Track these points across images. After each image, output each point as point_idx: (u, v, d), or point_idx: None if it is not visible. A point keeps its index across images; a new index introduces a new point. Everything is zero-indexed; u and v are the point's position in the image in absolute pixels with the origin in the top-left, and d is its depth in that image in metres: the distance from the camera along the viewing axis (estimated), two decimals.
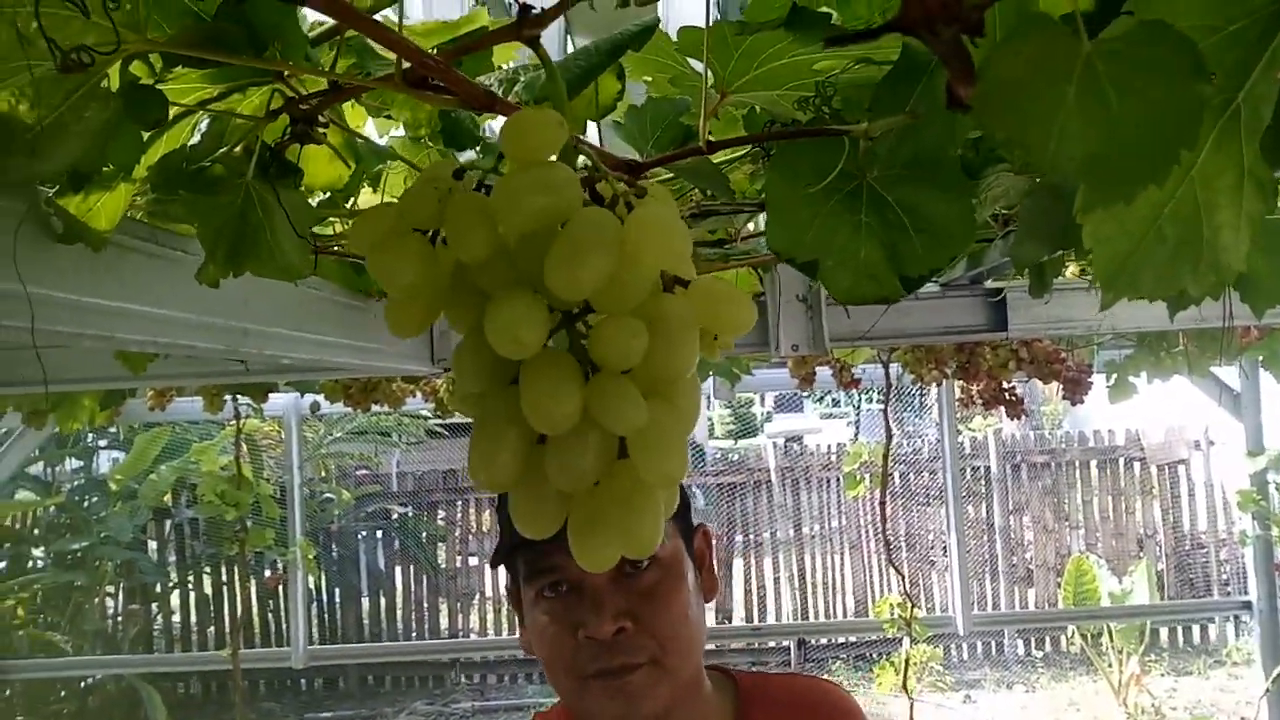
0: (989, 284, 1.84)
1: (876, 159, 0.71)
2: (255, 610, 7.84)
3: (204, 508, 4.47)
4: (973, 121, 0.69)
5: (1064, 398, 2.66)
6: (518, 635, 1.18)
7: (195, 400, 3.74)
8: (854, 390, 3.99)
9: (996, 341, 2.21)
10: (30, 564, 7.00)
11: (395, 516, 8.63)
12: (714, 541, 1.21)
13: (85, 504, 7.37)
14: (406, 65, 0.58)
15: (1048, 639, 8.04)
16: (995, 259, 1.57)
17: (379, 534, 8.61)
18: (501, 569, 1.16)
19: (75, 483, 7.51)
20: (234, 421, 4.21)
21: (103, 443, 7.97)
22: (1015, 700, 7.33)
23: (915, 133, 0.70)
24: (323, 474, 8.74)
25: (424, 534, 8.47)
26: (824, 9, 0.69)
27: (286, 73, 0.74)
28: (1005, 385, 3.04)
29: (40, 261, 0.74)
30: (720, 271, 1.65)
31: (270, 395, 3.83)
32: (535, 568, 1.06)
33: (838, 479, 8.34)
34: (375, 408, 3.52)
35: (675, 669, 1.04)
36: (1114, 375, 3.37)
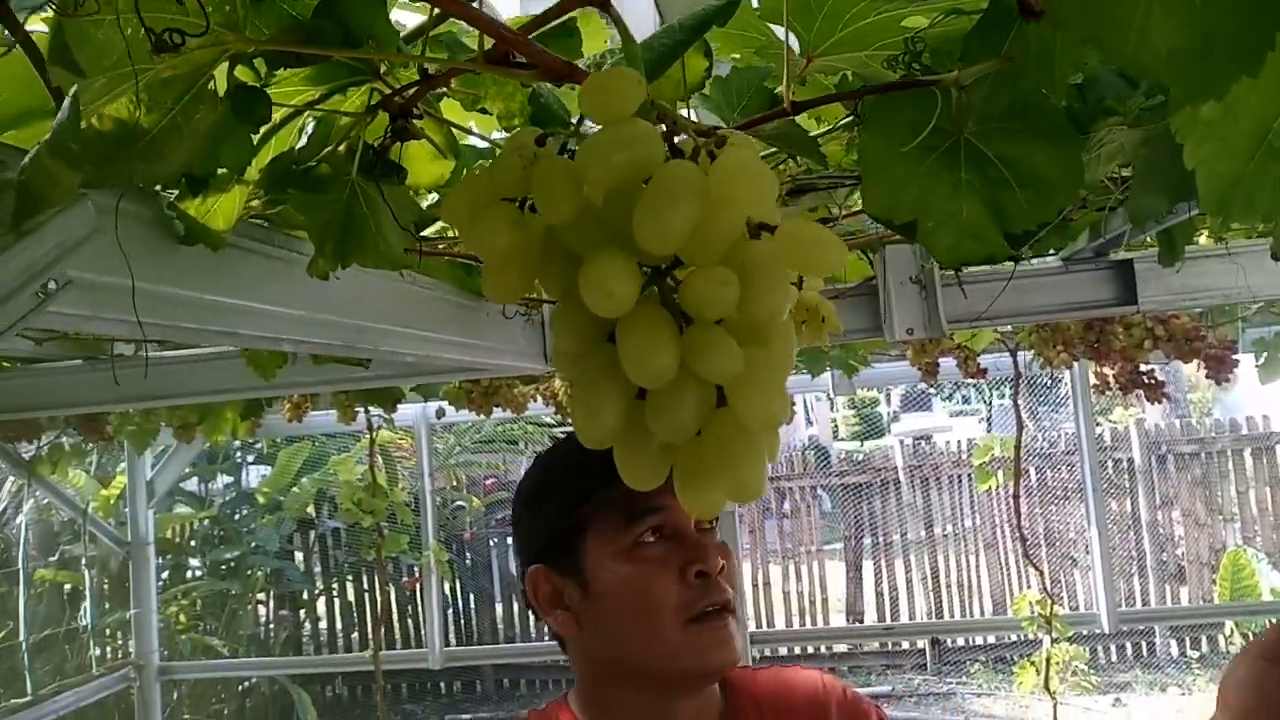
0: (1115, 255, 1.76)
1: (971, 110, 0.69)
2: (395, 614, 8.12)
3: (342, 515, 4.66)
4: (1069, 62, 0.66)
5: (1207, 377, 2.51)
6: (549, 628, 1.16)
7: (329, 413, 3.90)
8: (981, 381, 3.88)
9: (1127, 317, 2.10)
10: (189, 573, 7.45)
11: None
12: None
13: (236, 516, 7.79)
14: (489, 44, 0.59)
15: (1204, 638, 7.59)
16: (1118, 226, 1.49)
17: (509, 540, 8.81)
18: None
19: (226, 497, 7.94)
20: (368, 433, 4.37)
21: (250, 458, 8.42)
22: (1169, 703, 6.94)
23: (1010, 80, 0.67)
24: (454, 483, 9.00)
25: None
26: None
27: (382, 69, 0.77)
28: (1142, 367, 2.89)
29: (165, 263, 0.79)
30: None
31: (399, 406, 3.97)
32: (635, 511, 1.06)
33: (969, 476, 8.07)
34: (498, 413, 3.60)
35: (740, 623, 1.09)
36: (1263, 354, 3.16)
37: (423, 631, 7.40)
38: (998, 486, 4.11)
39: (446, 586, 7.39)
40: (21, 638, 5.40)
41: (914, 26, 0.75)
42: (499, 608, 8.49)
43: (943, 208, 0.77)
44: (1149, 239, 1.66)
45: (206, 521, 7.43)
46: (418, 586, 6.82)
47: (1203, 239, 1.77)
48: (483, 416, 3.05)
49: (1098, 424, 8.48)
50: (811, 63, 0.75)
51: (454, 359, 1.47)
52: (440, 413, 3.54)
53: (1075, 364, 4.68)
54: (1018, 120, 0.72)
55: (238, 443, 8.25)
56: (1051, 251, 1.80)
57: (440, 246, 1.43)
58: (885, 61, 0.75)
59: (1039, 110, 0.72)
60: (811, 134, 1.00)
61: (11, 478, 5.61)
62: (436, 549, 4.79)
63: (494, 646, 7.93)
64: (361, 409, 3.90)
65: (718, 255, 0.43)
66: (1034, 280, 1.80)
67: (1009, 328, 3.08)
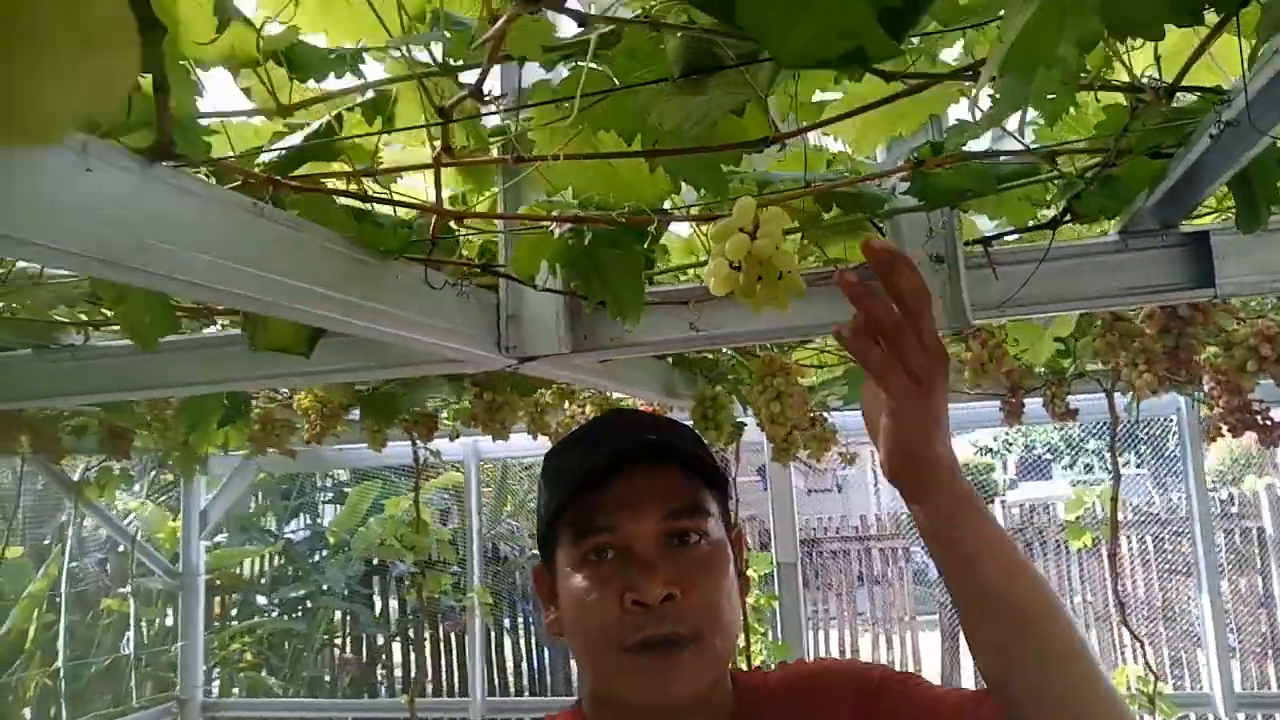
0: (1186, 228, 1.41)
1: None
2: (442, 656, 7.83)
3: (384, 551, 4.48)
4: None
5: None
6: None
7: (404, 443, 3.70)
8: (1073, 422, 3.47)
9: (1209, 315, 1.72)
10: (259, 613, 7.41)
11: None
12: (745, 544, 1.19)
13: (314, 557, 7.74)
14: None
15: None
16: (1177, 169, 1.16)
17: None
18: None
19: (299, 534, 7.91)
20: (426, 467, 4.22)
21: (328, 497, 8.41)
22: None
23: None
24: (531, 531, 8.81)
25: None
26: None
27: None
28: (1255, 404, 2.48)
29: None
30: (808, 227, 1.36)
31: (444, 437, 3.78)
32: (582, 528, 1.04)
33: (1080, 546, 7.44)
34: (527, 442, 3.37)
35: (717, 650, 1.01)
36: None
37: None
38: (1091, 545, 3.64)
39: (516, 641, 7.14)
40: (60, 664, 5.37)
41: None
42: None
43: None
44: (1226, 200, 1.32)
45: (278, 559, 7.40)
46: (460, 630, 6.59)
47: None
48: (499, 441, 2.81)
49: (1225, 492, 7.74)
50: None
51: (357, 325, 1.23)
52: (454, 434, 3.32)
53: (1183, 408, 4.18)
54: None
55: (317, 481, 8.28)
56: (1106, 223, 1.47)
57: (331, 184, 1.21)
58: None
59: None
60: None
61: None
62: (480, 591, 4.55)
63: (535, 699, 7.57)
64: (411, 442, 3.74)
65: None
66: (1082, 260, 1.46)
67: (1098, 363, 2.69)
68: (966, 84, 1.01)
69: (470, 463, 4.71)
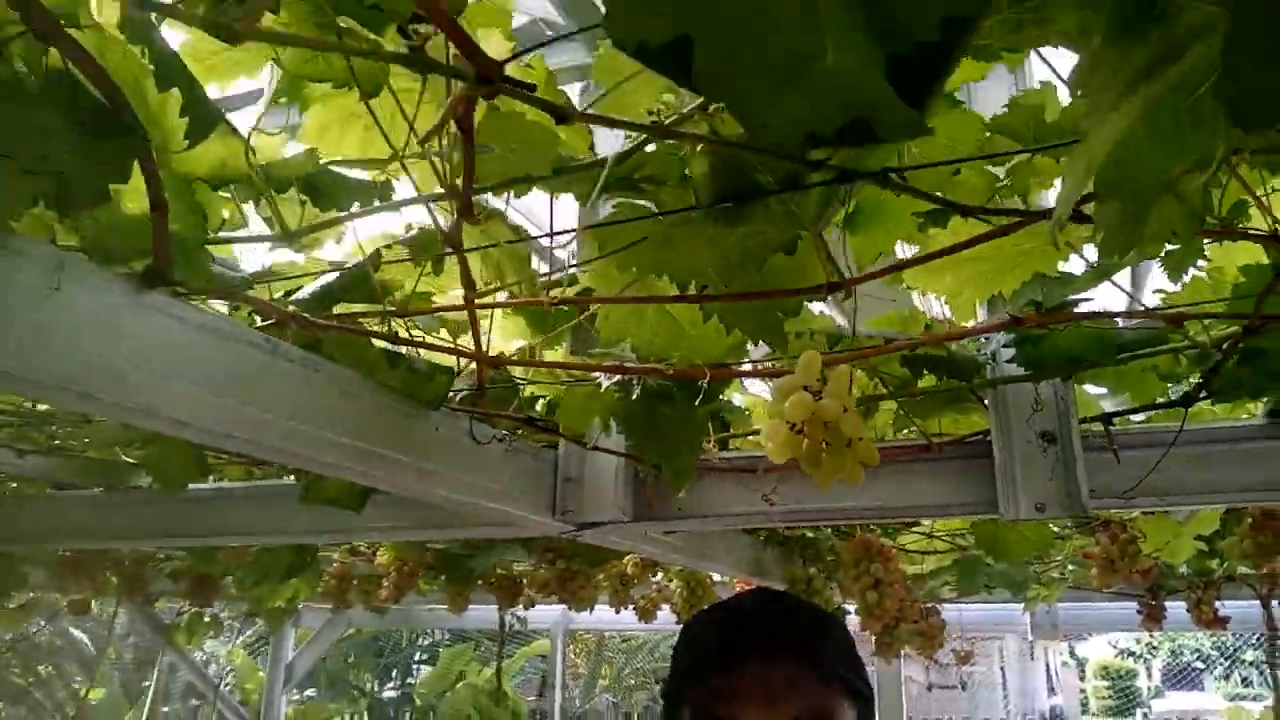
0: None
1: None
2: None
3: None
4: None
5: None
6: None
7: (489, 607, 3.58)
8: (1222, 631, 3.11)
9: None
10: None
11: None
12: None
13: (396, 716, 7.51)
14: None
15: None
16: None
17: None
18: None
19: (389, 693, 7.71)
20: (500, 632, 4.06)
21: (423, 657, 8.23)
22: None
23: None
24: (627, 709, 8.41)
25: None
26: None
27: None
28: None
29: None
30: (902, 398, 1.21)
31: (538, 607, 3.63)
32: (703, 712, 1.01)
33: None
34: (632, 620, 3.18)
35: None
36: None
37: None
38: None
39: None
40: None
41: None
42: None
43: (779, 48, 0.38)
44: None
45: (359, 718, 7.20)
46: None
47: None
48: (578, 611, 2.63)
49: None
50: None
51: (379, 477, 1.13)
52: (530, 603, 3.14)
53: None
54: None
55: (419, 639, 8.14)
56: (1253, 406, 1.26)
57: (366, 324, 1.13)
58: None
59: None
60: None
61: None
62: None
63: None
64: (498, 611, 3.61)
65: None
66: (1226, 446, 1.24)
67: (1249, 568, 2.36)
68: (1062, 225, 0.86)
69: (558, 632, 4.50)
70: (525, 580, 3.33)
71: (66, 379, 0.77)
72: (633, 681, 8.24)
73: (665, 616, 3.38)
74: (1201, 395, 1.15)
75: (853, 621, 2.83)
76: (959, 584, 2.27)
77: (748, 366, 1.15)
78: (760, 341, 1.02)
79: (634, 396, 1.08)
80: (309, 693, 6.84)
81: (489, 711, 4.09)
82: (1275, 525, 1.54)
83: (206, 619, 4.40)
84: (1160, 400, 1.24)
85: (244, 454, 1.00)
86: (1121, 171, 0.57)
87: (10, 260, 0.72)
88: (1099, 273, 0.89)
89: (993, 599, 3.45)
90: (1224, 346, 1.08)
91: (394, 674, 7.74)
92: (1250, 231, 0.84)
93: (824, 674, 1.02)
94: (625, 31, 0.37)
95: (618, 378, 1.12)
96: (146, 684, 6.47)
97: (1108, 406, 1.36)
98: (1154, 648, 17.19)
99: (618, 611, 3.10)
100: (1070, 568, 2.59)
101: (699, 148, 0.65)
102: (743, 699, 0.99)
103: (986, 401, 1.32)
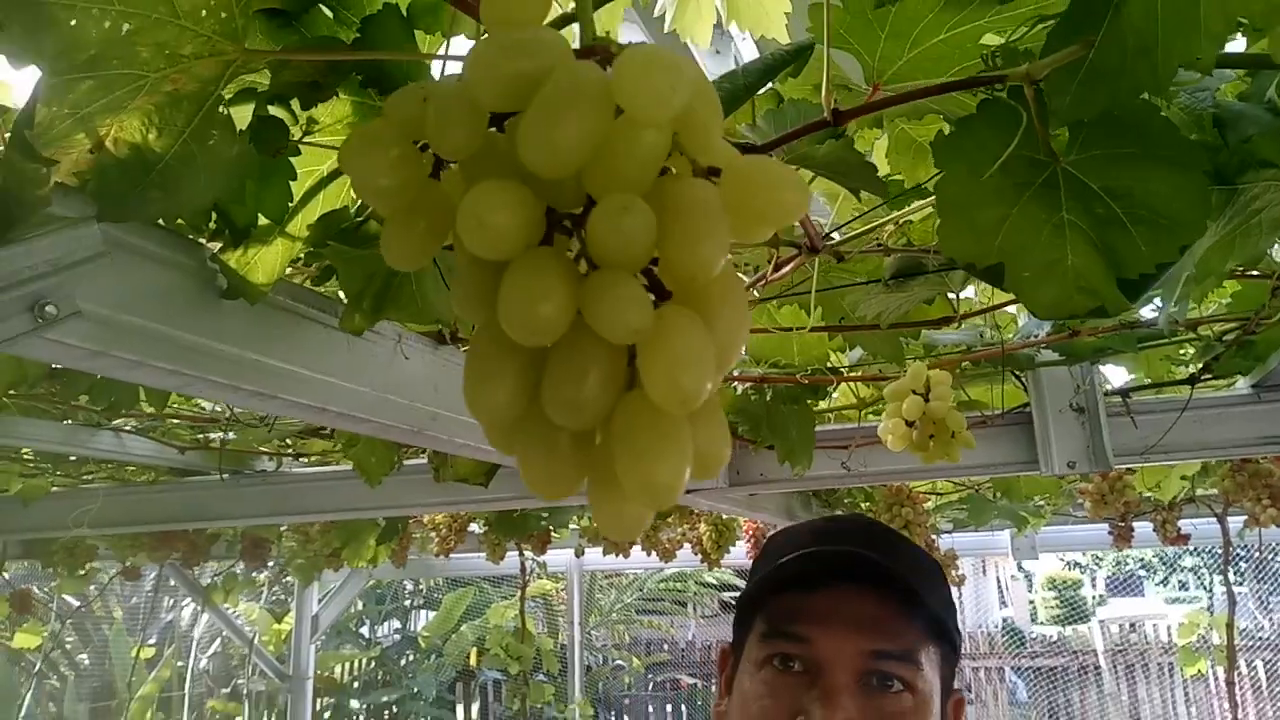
0: None
1: (1055, 115, 0.58)
2: None
3: (490, 660, 4.58)
4: (1175, 56, 0.55)
5: None
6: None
7: (481, 555, 3.88)
8: (1201, 565, 3.47)
9: None
10: (351, 716, 7.50)
11: (684, 687, 8.47)
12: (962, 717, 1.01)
13: (402, 661, 7.85)
14: None
15: None
16: None
17: (667, 707, 8.46)
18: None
19: (393, 640, 8.04)
20: (521, 577, 4.34)
21: (419, 603, 8.55)
22: None
23: (1102, 79, 0.56)
24: (615, 641, 8.81)
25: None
26: None
27: None
28: None
29: (205, 314, 0.77)
30: (954, 373, 1.49)
31: (552, 550, 3.92)
32: (776, 628, 0.92)
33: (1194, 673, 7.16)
34: (644, 559, 3.47)
35: None
36: None
37: None
38: (1207, 673, 3.58)
39: None
40: None
41: (995, 45, 0.65)
42: None
43: (1041, 254, 0.66)
44: None
45: (370, 663, 7.51)
46: None
47: None
48: (622, 557, 2.93)
49: None
50: (878, 91, 0.67)
51: None
52: (580, 550, 3.45)
53: None
54: (1123, 142, 0.61)
55: (409, 586, 8.43)
56: (1239, 376, 1.58)
57: None
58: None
59: (1148, 127, 0.60)
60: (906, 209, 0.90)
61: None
62: (582, 704, 4.61)
63: None
64: (513, 550, 3.89)
65: (635, 186, 0.34)
66: (1220, 410, 1.57)
67: (1206, 480, 2.73)
68: None
69: (574, 574, 4.82)
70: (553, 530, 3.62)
71: (403, 418, 1.03)
72: (615, 617, 8.61)
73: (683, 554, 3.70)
74: (1205, 376, 1.47)
75: None
76: (972, 518, 2.61)
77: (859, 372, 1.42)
78: (877, 355, 1.31)
79: (767, 398, 1.36)
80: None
81: (515, 649, 4.40)
82: (1248, 467, 1.89)
83: (241, 578, 4.64)
84: (1168, 379, 1.55)
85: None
86: (1199, 272, 0.85)
87: (371, 337, 0.98)
88: (1167, 320, 1.18)
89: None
90: (1225, 340, 1.39)
91: (399, 623, 8.08)
92: (1254, 273, 1.13)
93: (916, 612, 0.90)
94: (961, 255, 0.64)
95: (750, 384, 1.39)
96: (157, 643, 6.71)
97: (1120, 380, 1.68)
98: (1099, 559, 18.06)
99: (648, 554, 3.39)
100: (1057, 500, 2.95)
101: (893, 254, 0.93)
102: (820, 622, 0.89)
103: (1027, 381, 1.63)
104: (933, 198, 0.93)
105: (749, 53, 1.38)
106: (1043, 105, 0.58)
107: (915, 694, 0.89)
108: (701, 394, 0.33)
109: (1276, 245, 1.10)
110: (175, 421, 1.91)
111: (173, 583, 4.81)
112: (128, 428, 1.74)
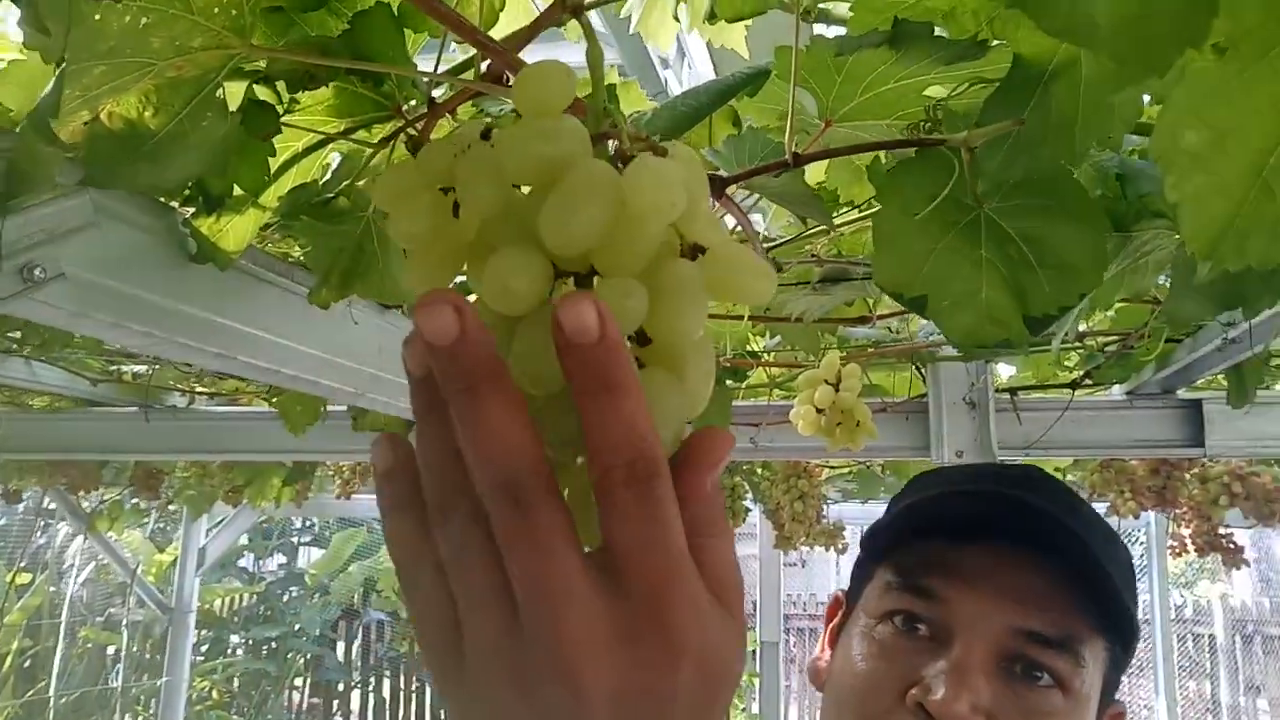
0: (1184, 394, 1.67)
1: (985, 176, 0.66)
2: (400, 706, 7.84)
3: (381, 602, 4.61)
4: (1091, 133, 0.63)
5: None
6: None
7: (373, 497, 3.90)
8: None
9: (1202, 468, 1.98)
10: (229, 650, 7.43)
11: None
12: None
13: (285, 597, 7.79)
14: (485, 63, 0.59)
15: None
16: (1184, 358, 1.42)
17: None
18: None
19: (277, 576, 7.96)
20: None
21: (305, 539, 8.46)
22: None
23: (1027, 148, 0.64)
24: None
25: None
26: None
27: (404, 106, 0.78)
28: (1221, 529, 2.73)
29: (174, 277, 0.79)
30: (865, 365, 1.59)
31: None
32: (905, 578, 0.76)
33: None
34: None
35: None
36: None
37: None
38: None
39: None
40: (51, 694, 5.40)
41: (937, 96, 0.73)
42: None
43: (961, 286, 0.74)
44: (1219, 377, 1.58)
45: (253, 598, 7.44)
46: None
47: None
48: None
49: (1180, 596, 8.02)
50: (830, 127, 0.74)
51: None
52: None
53: (1152, 522, 4.46)
54: (1039, 195, 0.69)
55: (297, 523, 8.34)
56: (1115, 384, 1.73)
57: None
58: (905, 130, 0.73)
59: (1062, 186, 0.68)
60: (837, 220, 0.98)
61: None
62: None
63: None
64: None
65: (634, 268, 0.40)
66: (1095, 413, 1.71)
67: (1076, 472, 2.95)
68: None
69: None
70: None
71: (349, 380, 1.07)
72: None
73: None
74: (1086, 382, 1.60)
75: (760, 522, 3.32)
76: (861, 491, 2.76)
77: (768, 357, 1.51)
78: (795, 346, 1.39)
79: None
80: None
81: None
82: (1114, 464, 2.07)
83: (127, 506, 4.54)
84: (1052, 382, 1.69)
85: None
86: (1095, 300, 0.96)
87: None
88: (1061, 340, 1.30)
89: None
90: (1107, 350, 1.52)
91: (285, 559, 7.98)
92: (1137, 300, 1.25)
93: (1092, 593, 0.73)
94: (891, 284, 0.72)
95: None
96: (25, 567, 6.50)
97: (1007, 375, 1.81)
98: None
99: None
100: None
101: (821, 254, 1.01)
102: (966, 581, 0.74)
103: (926, 374, 1.74)
104: (863, 212, 1.01)
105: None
106: (975, 163, 0.65)
107: (1068, 694, 0.72)
108: (673, 446, 0.40)
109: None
110: (85, 353, 1.88)
111: (51, 505, 4.67)
112: (40, 358, 1.72)
